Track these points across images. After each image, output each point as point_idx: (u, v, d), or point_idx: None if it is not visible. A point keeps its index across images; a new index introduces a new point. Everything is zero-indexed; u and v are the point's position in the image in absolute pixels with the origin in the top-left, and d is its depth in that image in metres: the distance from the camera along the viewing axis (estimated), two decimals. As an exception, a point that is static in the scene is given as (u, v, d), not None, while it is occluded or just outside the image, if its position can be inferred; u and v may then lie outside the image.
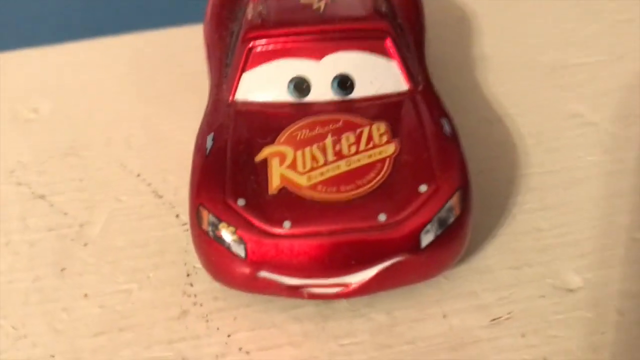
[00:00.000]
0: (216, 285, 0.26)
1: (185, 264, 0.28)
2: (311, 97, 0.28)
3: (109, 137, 0.34)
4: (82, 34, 0.40)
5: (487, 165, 0.32)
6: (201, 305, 0.26)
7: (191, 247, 0.26)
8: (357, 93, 0.28)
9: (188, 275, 0.27)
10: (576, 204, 0.30)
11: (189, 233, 0.27)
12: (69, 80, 0.38)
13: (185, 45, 0.39)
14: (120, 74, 0.38)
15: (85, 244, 0.29)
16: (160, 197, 0.31)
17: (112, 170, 0.32)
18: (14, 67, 0.39)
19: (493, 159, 0.32)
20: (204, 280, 0.26)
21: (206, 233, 0.24)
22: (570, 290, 0.26)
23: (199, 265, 0.26)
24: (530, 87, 0.36)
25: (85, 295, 0.27)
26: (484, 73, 0.37)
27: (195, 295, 0.27)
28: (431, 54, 0.37)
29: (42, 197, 0.31)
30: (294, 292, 0.24)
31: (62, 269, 0.28)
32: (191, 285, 0.27)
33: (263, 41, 0.28)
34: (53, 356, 0.25)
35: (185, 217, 0.29)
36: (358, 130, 0.26)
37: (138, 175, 0.32)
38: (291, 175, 0.25)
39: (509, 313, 0.26)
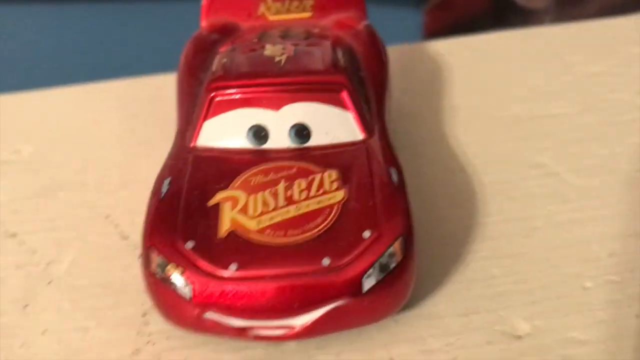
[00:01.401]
0: (170, 326, 0.27)
1: (143, 304, 0.28)
2: (269, 145, 0.29)
3: (83, 179, 0.35)
4: (64, 80, 0.42)
5: (447, 213, 0.32)
6: (154, 344, 0.27)
7: (148, 288, 0.27)
8: (313, 141, 0.29)
9: (144, 315, 0.28)
10: (531, 253, 0.30)
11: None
12: (50, 124, 0.39)
13: (163, 92, 0.40)
14: (99, 119, 0.40)
15: (50, 282, 0.30)
16: (126, 238, 0.32)
17: (83, 211, 0.33)
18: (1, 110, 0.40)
19: (453, 207, 0.33)
20: (159, 321, 0.27)
21: (154, 274, 0.25)
22: (518, 337, 0.27)
23: (154, 305, 0.27)
24: (496, 138, 0.37)
25: (44, 331, 0.28)
26: (451, 123, 0.38)
27: (149, 335, 0.27)
28: (401, 105, 0.39)
29: (13, 235, 0.32)
30: (240, 333, 0.25)
31: (25, 306, 0.29)
32: (146, 324, 0.28)
33: (224, 91, 0.29)
34: (6, 391, 0.26)
35: (148, 258, 0.30)
36: (310, 177, 0.27)
37: (107, 216, 0.33)
38: (241, 219, 0.26)
39: (454, 359, 0.26)
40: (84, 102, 0.42)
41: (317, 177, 0.27)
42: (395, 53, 0.44)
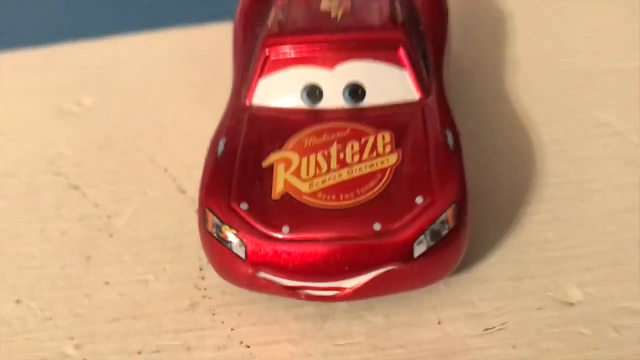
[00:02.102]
0: (225, 281, 0.27)
1: (200, 259, 0.29)
2: (323, 105, 0.29)
3: (142, 131, 0.36)
4: (124, 29, 0.42)
5: (504, 175, 0.32)
6: (210, 298, 0.28)
7: (204, 244, 0.27)
8: (368, 102, 0.29)
9: (201, 269, 0.29)
10: (590, 217, 0.30)
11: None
12: (109, 74, 0.40)
13: (222, 42, 0.40)
14: (157, 69, 0.40)
15: (111, 235, 0.31)
16: (184, 192, 0.32)
17: (142, 164, 0.34)
18: (61, 61, 0.41)
19: (511, 168, 0.32)
20: (215, 275, 0.28)
21: (211, 234, 0.26)
22: (570, 304, 0.26)
23: (210, 261, 0.28)
24: (560, 93, 0.36)
25: (107, 283, 0.29)
26: (513, 78, 0.37)
27: (205, 289, 0.28)
28: (459, 58, 0.38)
29: (76, 188, 0.33)
30: (292, 293, 0.25)
31: (88, 258, 0.30)
32: (203, 279, 0.29)
33: (279, 49, 0.29)
34: (72, 338, 0.27)
35: (204, 213, 0.31)
36: (364, 140, 0.27)
37: (165, 170, 0.34)
38: (295, 181, 0.26)
39: (504, 324, 0.26)
40: (141, 52, 0.42)
41: (371, 139, 0.27)
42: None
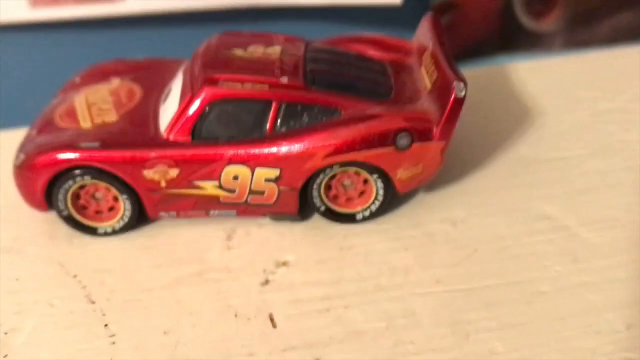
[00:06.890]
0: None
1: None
2: None
3: (54, 233, 0.33)
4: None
5: (442, 274, 0.29)
6: None
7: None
8: None
9: (103, 396, 0.25)
10: (538, 323, 0.27)
11: (114, 346, 0.27)
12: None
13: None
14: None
15: (6, 356, 0.27)
16: (93, 302, 0.29)
17: (50, 270, 0.31)
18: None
19: (451, 267, 0.30)
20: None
21: None
22: None
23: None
24: (500, 185, 0.34)
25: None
26: (450, 168, 0.35)
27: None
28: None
29: (-26, 298, 0.30)
30: None
31: (-25, 385, 0.26)
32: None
33: None
34: None
35: (114, 327, 0.28)
36: None
37: (75, 276, 0.30)
38: None
39: None
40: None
41: None
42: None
